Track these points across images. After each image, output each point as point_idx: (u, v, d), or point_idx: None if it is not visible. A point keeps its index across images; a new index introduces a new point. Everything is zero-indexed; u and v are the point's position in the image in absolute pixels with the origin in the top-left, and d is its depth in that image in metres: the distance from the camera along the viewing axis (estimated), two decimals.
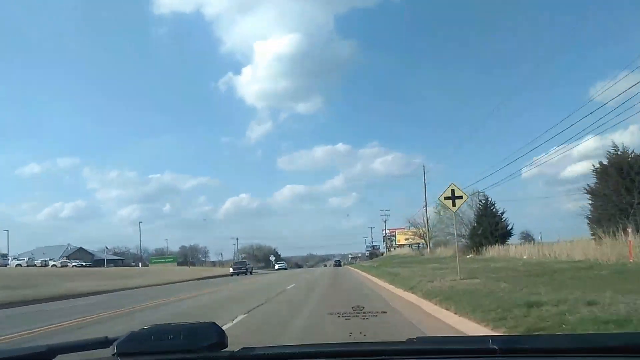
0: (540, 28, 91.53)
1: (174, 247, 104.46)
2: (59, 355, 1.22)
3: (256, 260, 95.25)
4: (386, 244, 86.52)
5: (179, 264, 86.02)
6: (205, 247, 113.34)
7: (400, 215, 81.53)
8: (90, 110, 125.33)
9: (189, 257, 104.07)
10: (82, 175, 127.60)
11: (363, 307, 5.74)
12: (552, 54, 75.37)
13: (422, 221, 56.04)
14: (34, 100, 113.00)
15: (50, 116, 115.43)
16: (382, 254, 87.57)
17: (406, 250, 64.49)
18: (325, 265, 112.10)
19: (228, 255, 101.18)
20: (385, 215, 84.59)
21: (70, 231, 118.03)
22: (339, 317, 6.54)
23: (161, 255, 76.54)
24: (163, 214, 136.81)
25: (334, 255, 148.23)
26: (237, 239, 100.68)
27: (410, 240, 76.09)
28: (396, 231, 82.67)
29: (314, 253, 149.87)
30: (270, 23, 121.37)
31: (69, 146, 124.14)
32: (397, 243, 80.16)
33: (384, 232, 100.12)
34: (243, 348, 1.24)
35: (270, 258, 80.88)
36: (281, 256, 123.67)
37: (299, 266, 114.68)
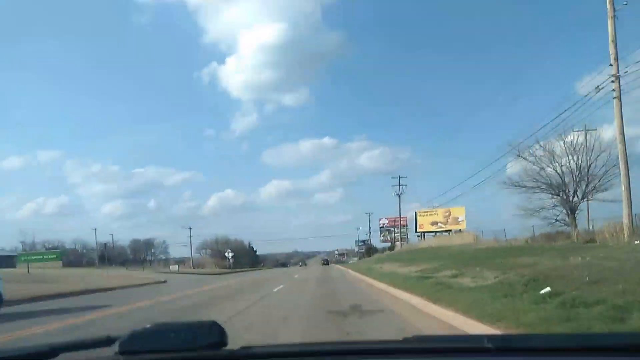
0: (535, 22, 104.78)
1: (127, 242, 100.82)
2: (61, 354, 1.25)
3: (220, 257, 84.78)
4: (400, 232, 69.73)
5: (95, 263, 73.92)
6: (165, 242, 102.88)
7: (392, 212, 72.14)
8: (68, 102, 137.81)
9: (142, 253, 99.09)
10: (63, 168, 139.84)
11: (360, 305, 5.88)
12: (545, 47, 74.84)
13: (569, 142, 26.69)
14: (15, 91, 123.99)
15: (30, 108, 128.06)
16: (391, 249, 73.05)
17: (466, 239, 39.56)
18: (303, 265, 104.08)
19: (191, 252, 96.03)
20: (400, 185, 62.03)
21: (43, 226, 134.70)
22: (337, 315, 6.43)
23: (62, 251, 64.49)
24: (145, 207, 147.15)
25: (319, 252, 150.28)
26: (190, 228, 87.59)
27: (442, 224, 58.98)
28: (416, 212, 63.09)
29: (299, 250, 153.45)
30: (256, 12, 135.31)
31: (50, 138, 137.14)
32: (418, 230, 62.02)
33: (379, 222, 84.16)
34: (243, 347, 1.33)
35: (227, 254, 72.23)
36: (257, 252, 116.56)
37: (284, 265, 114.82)
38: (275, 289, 17.60)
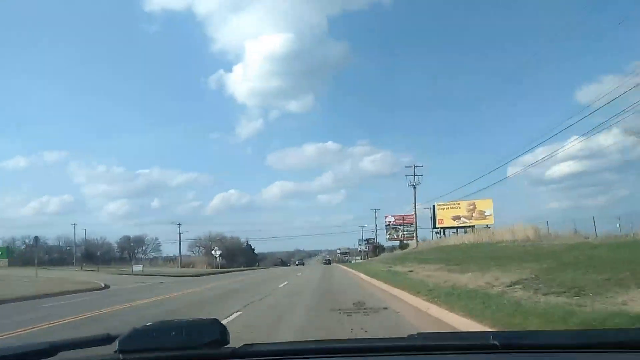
0: (537, 29, 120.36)
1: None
2: (61, 352, 1.59)
3: (211, 256, 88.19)
4: (415, 227, 71.01)
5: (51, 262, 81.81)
6: (157, 239, 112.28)
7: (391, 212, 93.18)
8: (78, 106, 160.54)
9: (130, 250, 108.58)
10: (69, 169, 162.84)
11: (364, 303, 6.31)
12: (545, 53, 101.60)
13: None
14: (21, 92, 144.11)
15: (37, 109, 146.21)
16: (402, 247, 75.87)
17: (520, 233, 34.18)
18: (300, 264, 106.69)
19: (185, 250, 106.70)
20: (415, 175, 63.27)
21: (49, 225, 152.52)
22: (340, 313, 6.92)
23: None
24: (148, 207, 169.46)
25: (321, 251, 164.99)
26: (179, 224, 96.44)
27: (466, 219, 60.51)
28: (435, 205, 64.83)
29: (301, 248, 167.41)
30: (263, 22, 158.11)
31: (57, 140, 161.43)
32: (437, 225, 64.31)
33: (385, 220, 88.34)
34: (244, 344, 1.66)
35: (214, 252, 75.60)
36: (255, 250, 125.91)
37: (285, 264, 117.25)
38: (230, 318, 11.69)
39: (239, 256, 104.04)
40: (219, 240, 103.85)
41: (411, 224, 73.84)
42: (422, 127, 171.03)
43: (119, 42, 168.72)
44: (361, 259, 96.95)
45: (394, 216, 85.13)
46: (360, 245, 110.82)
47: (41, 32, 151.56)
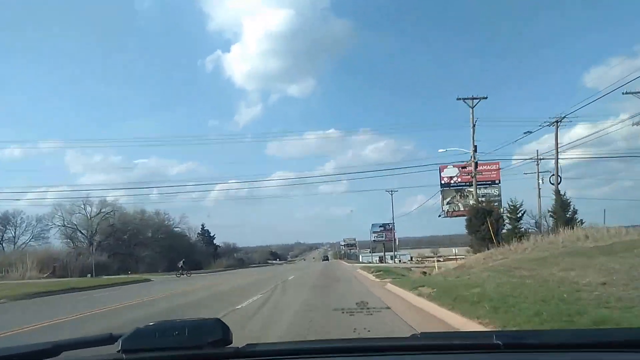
0: (547, 12, 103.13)
1: None
2: (64, 352, 1.62)
3: (81, 245, 61.21)
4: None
5: None
6: (41, 218, 70.05)
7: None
8: (71, 91, 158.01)
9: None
10: (64, 159, 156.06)
11: (367, 303, 6.50)
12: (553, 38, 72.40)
13: None
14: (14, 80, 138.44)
15: (30, 97, 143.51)
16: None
17: None
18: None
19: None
20: None
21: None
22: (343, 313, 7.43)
23: None
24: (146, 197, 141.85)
25: (322, 244, 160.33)
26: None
27: None
28: None
29: (302, 241, 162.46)
30: None
31: (51, 129, 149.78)
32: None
33: (441, 176, 48.13)
34: (248, 344, 1.68)
35: None
36: (215, 239, 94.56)
37: (279, 258, 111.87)
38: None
39: (173, 251, 62.25)
40: (106, 214, 65.00)
41: (497, 181, 43.70)
42: (427, 111, 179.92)
43: (111, 24, 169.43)
44: (370, 252, 79.69)
45: (455, 166, 45.39)
46: (373, 233, 78.06)
47: (31, 15, 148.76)
